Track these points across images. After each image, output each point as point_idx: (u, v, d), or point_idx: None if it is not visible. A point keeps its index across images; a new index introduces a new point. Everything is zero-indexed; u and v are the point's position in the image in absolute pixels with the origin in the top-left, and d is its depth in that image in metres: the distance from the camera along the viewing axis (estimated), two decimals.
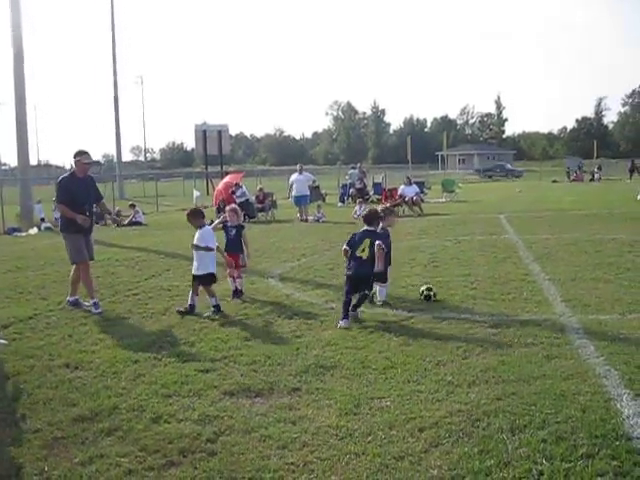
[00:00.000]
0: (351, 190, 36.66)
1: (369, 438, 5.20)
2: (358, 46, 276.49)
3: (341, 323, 8.78)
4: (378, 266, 9.28)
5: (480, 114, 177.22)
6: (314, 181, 29.73)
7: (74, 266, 10.72)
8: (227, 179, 32.55)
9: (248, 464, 4.84)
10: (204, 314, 9.63)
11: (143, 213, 29.48)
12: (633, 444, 4.88)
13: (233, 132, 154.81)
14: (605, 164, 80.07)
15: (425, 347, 7.62)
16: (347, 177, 39.30)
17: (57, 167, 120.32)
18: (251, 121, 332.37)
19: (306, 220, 26.18)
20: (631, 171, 61.02)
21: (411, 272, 12.72)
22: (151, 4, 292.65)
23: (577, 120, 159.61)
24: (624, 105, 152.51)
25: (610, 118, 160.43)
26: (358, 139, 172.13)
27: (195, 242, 10.05)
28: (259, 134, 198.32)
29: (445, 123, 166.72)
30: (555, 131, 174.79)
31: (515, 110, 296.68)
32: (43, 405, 6.21)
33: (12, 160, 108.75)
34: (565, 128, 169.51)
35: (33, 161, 76.82)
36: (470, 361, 7.05)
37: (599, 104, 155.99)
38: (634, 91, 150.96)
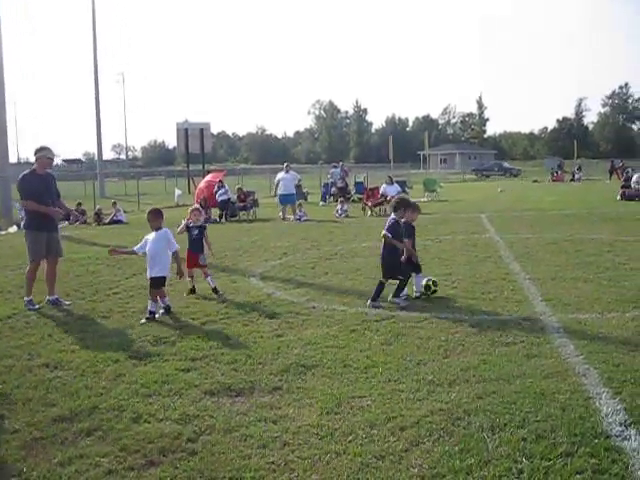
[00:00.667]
0: (333, 189, 36.69)
1: (350, 437, 5.20)
2: (340, 45, 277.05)
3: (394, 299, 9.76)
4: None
5: (462, 114, 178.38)
6: (299, 180, 29.71)
7: (30, 263, 10.75)
8: (209, 178, 32.54)
9: (229, 463, 4.83)
10: (140, 321, 9.31)
11: (124, 212, 29.37)
12: (611, 442, 4.92)
13: (215, 130, 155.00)
14: (585, 164, 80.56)
15: (406, 346, 7.63)
16: (329, 176, 39.32)
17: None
18: (233, 120, 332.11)
19: (285, 219, 26.12)
20: (610, 172, 61.39)
21: None
22: (133, 1, 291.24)
23: (558, 120, 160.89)
24: (604, 106, 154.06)
25: (590, 119, 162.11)
26: (340, 138, 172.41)
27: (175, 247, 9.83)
28: (241, 133, 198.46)
29: (427, 123, 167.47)
30: (536, 131, 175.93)
31: (496, 110, 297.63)
32: (22, 405, 6.17)
33: None
34: (546, 128, 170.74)
35: (13, 159, 76.06)
36: (451, 360, 7.07)
37: (579, 105, 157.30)
38: (614, 92, 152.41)
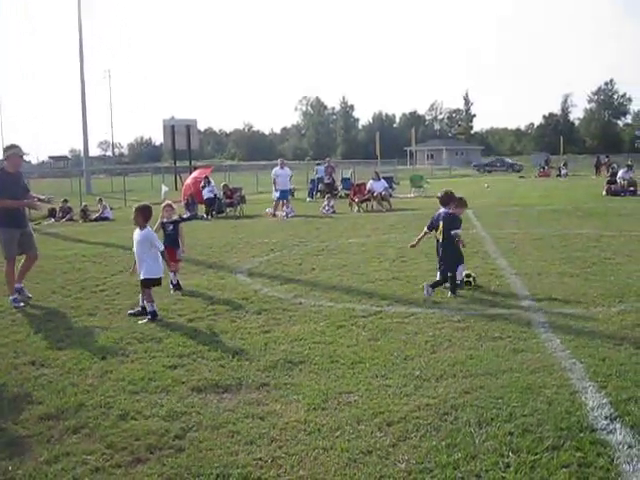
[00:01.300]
0: (320, 185, 36.69)
1: (337, 433, 5.20)
2: (327, 41, 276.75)
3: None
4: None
5: (449, 110, 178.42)
6: (291, 176, 29.70)
7: (6, 261, 10.74)
8: (196, 174, 32.47)
9: (216, 460, 4.82)
10: (140, 321, 9.17)
11: (111, 208, 29.30)
12: (597, 435, 4.95)
13: (202, 127, 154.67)
14: (571, 160, 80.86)
15: (393, 342, 7.64)
16: (314, 172, 39.34)
17: (24, 162, 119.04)
18: (220, 116, 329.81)
19: (275, 215, 26.11)
20: (596, 167, 61.64)
21: (379, 267, 12.76)
22: None
23: (544, 116, 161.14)
24: (590, 102, 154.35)
25: (576, 114, 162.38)
26: (327, 134, 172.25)
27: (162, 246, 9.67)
28: (228, 129, 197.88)
29: (414, 119, 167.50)
30: (522, 127, 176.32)
31: (483, 106, 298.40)
32: (8, 403, 6.15)
33: None
34: (532, 124, 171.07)
35: None
36: (438, 355, 7.09)
37: (565, 101, 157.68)
38: (599, 88, 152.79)
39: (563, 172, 63.92)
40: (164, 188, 39.15)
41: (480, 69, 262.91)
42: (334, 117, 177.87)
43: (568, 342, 7.36)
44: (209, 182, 28.47)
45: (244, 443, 5.10)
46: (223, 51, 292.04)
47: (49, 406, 6.00)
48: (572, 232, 17.14)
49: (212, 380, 6.56)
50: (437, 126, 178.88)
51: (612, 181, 33.74)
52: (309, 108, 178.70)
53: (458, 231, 10.44)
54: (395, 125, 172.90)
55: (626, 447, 4.75)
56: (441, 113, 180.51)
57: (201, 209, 27.66)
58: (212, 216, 26.94)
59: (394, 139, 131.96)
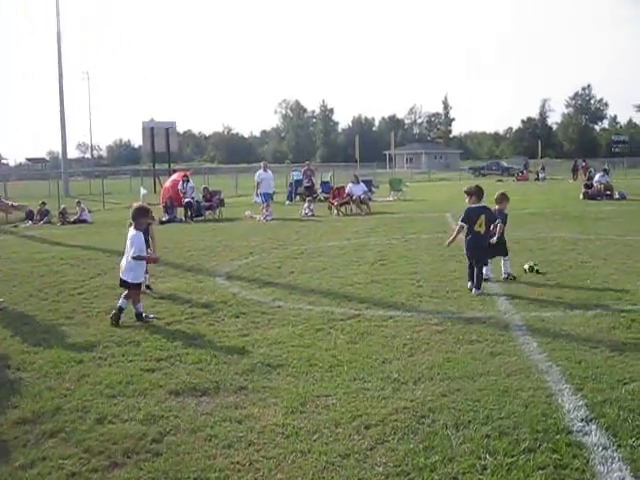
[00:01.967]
0: (299, 188, 36.69)
1: (315, 436, 5.20)
2: (307, 44, 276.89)
3: (474, 291, 10.28)
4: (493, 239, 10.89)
5: (428, 114, 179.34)
6: (293, 177, 29.72)
7: None
8: (175, 177, 32.37)
9: (193, 464, 4.81)
10: (149, 316, 9.33)
11: (89, 211, 29.12)
12: (573, 437, 4.99)
13: (181, 130, 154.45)
14: (549, 164, 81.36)
15: (371, 345, 7.66)
16: (291, 176, 39.42)
17: (2, 165, 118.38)
18: (199, 119, 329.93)
19: (253, 217, 26.07)
20: (574, 171, 62.10)
21: (358, 270, 12.78)
22: None
23: (522, 121, 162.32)
24: (567, 107, 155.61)
25: (554, 119, 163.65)
26: (307, 138, 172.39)
27: (137, 253, 9.45)
28: (207, 132, 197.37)
29: (393, 122, 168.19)
30: (501, 131, 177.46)
31: (462, 110, 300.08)
32: None
33: None
34: (511, 128, 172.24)
35: None
36: (416, 358, 7.11)
37: (543, 105, 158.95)
38: (576, 93, 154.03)
39: (541, 176, 64.36)
40: (143, 191, 38.94)
41: (459, 73, 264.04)
42: (314, 120, 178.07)
43: (545, 345, 7.41)
44: (188, 181, 28.43)
45: (222, 447, 5.09)
46: (203, 53, 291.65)
47: (25, 410, 5.95)
48: (549, 235, 17.27)
49: (190, 383, 6.54)
50: (416, 130, 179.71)
51: (589, 185, 33.99)
52: (289, 111, 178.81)
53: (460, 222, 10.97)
54: (374, 129, 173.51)
55: (601, 449, 4.80)
56: (420, 117, 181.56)
57: (180, 212, 27.57)
58: (191, 219, 26.86)
59: (373, 143, 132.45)
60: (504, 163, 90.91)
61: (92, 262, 15.16)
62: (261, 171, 27.86)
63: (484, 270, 10.90)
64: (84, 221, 27.41)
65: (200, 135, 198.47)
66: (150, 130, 55.28)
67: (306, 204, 27.93)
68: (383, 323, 8.64)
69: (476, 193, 11.03)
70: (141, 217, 9.71)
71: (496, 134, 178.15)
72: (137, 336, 8.38)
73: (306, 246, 16.84)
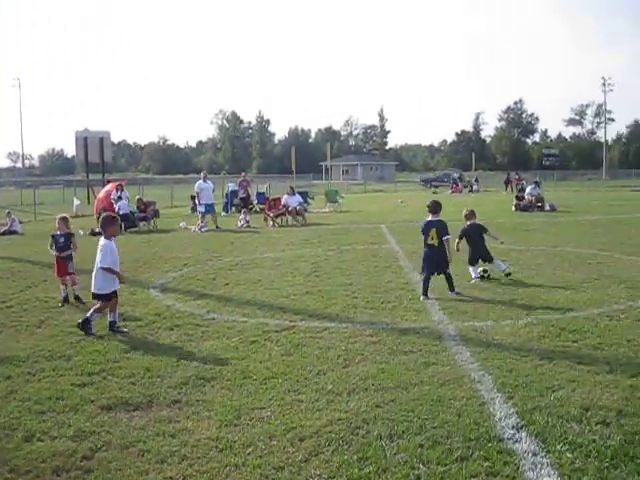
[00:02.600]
0: (235, 199, 36.54)
1: (249, 449, 5.18)
2: (243, 55, 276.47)
3: (421, 298, 10.76)
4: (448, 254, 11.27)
5: (364, 126, 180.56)
6: (213, 190, 29.45)
7: None
8: (108, 187, 31.91)
9: None
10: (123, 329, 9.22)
11: (20, 222, 28.43)
12: (504, 445, 5.08)
13: (115, 139, 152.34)
14: (483, 176, 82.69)
15: (306, 356, 7.66)
16: (227, 188, 39.37)
17: None
18: (134, 129, 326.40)
19: (187, 229, 25.87)
20: (506, 183, 63.25)
21: (293, 281, 12.77)
22: (29, 2, 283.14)
23: (457, 133, 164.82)
24: (500, 120, 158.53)
25: (487, 132, 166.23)
26: (243, 149, 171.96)
27: (104, 264, 9.29)
28: (143, 142, 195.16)
29: (329, 134, 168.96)
30: (436, 144, 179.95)
31: (397, 123, 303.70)
32: None
33: None
34: (445, 141, 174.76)
35: None
36: (350, 369, 7.13)
37: (477, 118, 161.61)
38: (509, 107, 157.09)
39: (475, 188, 65.39)
40: (76, 202, 38.38)
41: (395, 86, 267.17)
42: (250, 131, 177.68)
43: (477, 354, 7.52)
44: (122, 190, 28.07)
45: (154, 462, 5.02)
46: (138, 62, 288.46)
47: None
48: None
49: (122, 398, 6.44)
50: (352, 142, 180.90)
51: (520, 197, 34.67)
52: (225, 122, 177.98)
53: (449, 236, 11.33)
54: (311, 140, 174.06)
55: (531, 455, 4.90)
56: (356, 129, 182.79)
57: None
58: (125, 230, 26.49)
59: (310, 154, 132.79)
60: (455, 174, 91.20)
61: (22, 274, 14.82)
62: (201, 181, 27.61)
63: (473, 272, 12.39)
64: (14, 232, 26.73)
65: (135, 145, 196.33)
66: (84, 140, 54.36)
67: (242, 215, 27.82)
68: (318, 335, 8.66)
69: (430, 207, 11.72)
70: (108, 225, 9.59)
71: (431, 146, 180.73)
72: (68, 350, 8.22)
73: (241, 257, 16.77)
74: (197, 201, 27.38)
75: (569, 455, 4.87)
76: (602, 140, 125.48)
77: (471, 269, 12.64)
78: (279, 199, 29.87)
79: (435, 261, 11.18)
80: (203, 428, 5.64)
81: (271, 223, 27.58)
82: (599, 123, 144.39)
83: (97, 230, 25.49)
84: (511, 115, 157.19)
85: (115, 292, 9.42)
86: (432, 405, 5.97)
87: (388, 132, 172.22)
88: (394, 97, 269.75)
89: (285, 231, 24.94)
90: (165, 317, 9.94)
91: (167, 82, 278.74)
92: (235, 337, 8.65)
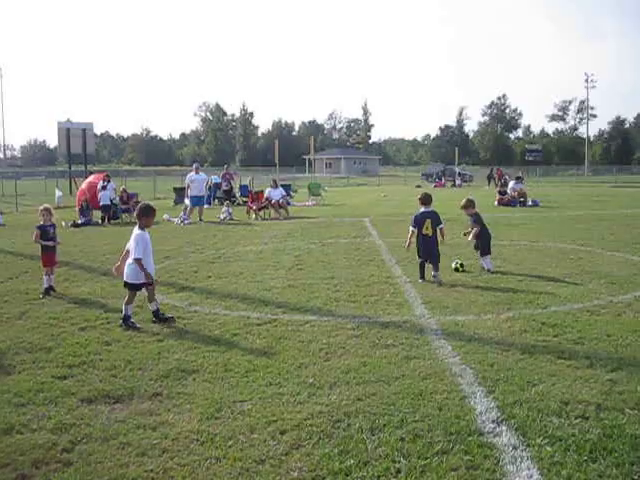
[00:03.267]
0: (218, 192, 36.45)
1: (230, 442, 5.17)
2: (227, 47, 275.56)
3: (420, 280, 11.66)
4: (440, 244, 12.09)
5: (347, 119, 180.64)
6: (211, 181, 29.24)
7: None
8: (91, 179, 31.73)
9: (105, 473, 4.72)
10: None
11: (1, 213, 28.20)
12: (484, 438, 5.11)
13: (98, 131, 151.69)
14: (466, 171, 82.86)
15: (287, 350, 7.66)
16: (211, 180, 39.20)
17: None
18: (118, 120, 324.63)
19: (170, 221, 25.78)
20: (489, 178, 63.53)
21: (275, 275, 12.76)
22: None
23: (440, 128, 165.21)
24: (483, 115, 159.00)
25: (471, 127, 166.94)
26: (226, 141, 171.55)
27: (137, 255, 9.03)
28: (125, 133, 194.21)
29: (313, 127, 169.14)
30: (419, 138, 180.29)
31: (381, 117, 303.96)
32: None
33: None
34: (429, 135, 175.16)
35: None
36: (332, 363, 7.14)
37: (461, 113, 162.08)
38: (492, 102, 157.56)
39: (458, 182, 65.61)
40: (58, 193, 38.14)
41: (379, 80, 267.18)
42: (234, 124, 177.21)
43: (459, 348, 7.54)
44: (109, 181, 27.91)
45: (135, 455, 5.00)
46: (122, 53, 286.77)
47: None
48: (464, 241, 17.55)
49: (103, 390, 6.42)
50: (336, 135, 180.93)
51: (503, 192, 34.76)
52: (208, 114, 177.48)
53: (442, 226, 12.17)
54: (294, 133, 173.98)
55: (511, 448, 4.92)
56: (340, 122, 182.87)
57: (96, 215, 27.03)
58: (108, 222, 26.38)
59: (293, 147, 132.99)
60: (457, 169, 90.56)
61: (2, 266, 14.72)
62: (192, 174, 27.42)
63: (487, 262, 12.88)
64: None
65: (118, 137, 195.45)
66: (66, 131, 54.04)
67: (224, 208, 27.75)
68: (300, 328, 8.65)
69: (422, 199, 12.32)
70: (144, 215, 9.32)
71: (414, 141, 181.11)
72: (49, 342, 8.17)
73: (223, 250, 16.74)
74: (187, 192, 27.18)
75: (549, 449, 4.90)
76: (584, 136, 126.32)
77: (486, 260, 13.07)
78: (262, 192, 29.82)
79: (429, 250, 11.87)
80: (184, 421, 5.63)
81: (254, 216, 27.54)
82: (581, 119, 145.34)
83: (79, 222, 25.47)
84: (494, 110, 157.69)
85: (146, 283, 9.19)
86: (413, 399, 5.98)
87: (372, 126, 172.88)
88: (378, 91, 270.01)
89: (268, 224, 24.92)
90: (147, 310, 9.88)
91: (151, 74, 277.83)
92: (217, 330, 8.63)
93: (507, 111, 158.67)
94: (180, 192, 34.63)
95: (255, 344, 7.93)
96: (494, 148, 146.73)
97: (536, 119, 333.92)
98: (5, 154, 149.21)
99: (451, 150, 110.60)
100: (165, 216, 26.72)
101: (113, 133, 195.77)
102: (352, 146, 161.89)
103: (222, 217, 26.76)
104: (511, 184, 35.70)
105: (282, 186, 31.30)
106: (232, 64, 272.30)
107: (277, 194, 28.38)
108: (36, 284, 11.81)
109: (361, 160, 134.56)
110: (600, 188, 56.59)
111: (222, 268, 13.80)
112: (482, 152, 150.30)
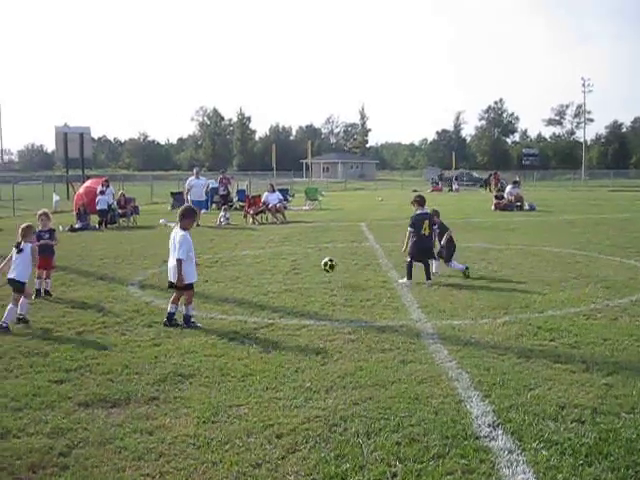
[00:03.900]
0: (215, 197, 36.43)
1: (227, 446, 5.18)
2: (224, 52, 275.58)
3: (403, 281, 11.99)
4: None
5: (345, 124, 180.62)
6: (208, 186, 29.21)
7: None
8: (88, 183, 31.73)
9: (102, 477, 4.73)
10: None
11: None
12: (480, 442, 5.12)
13: (96, 135, 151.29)
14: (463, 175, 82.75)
15: (284, 354, 7.67)
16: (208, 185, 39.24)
17: None
18: (114, 125, 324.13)
19: (167, 225, 25.77)
20: (486, 182, 63.54)
21: (272, 279, 12.77)
22: None
23: (437, 132, 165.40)
24: (480, 119, 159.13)
25: (468, 131, 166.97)
26: (224, 145, 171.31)
27: (181, 256, 9.22)
28: (123, 138, 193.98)
29: (310, 132, 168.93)
30: (416, 142, 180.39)
31: (378, 121, 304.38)
32: None
33: None
34: (426, 140, 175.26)
35: None
36: (328, 367, 7.15)
37: (458, 117, 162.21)
38: (489, 107, 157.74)
39: (455, 187, 65.62)
40: (56, 197, 38.10)
41: (376, 84, 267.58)
42: (231, 128, 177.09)
43: (455, 353, 7.56)
44: (108, 186, 27.92)
45: (132, 459, 5.01)
46: (119, 57, 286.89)
47: None
48: (461, 245, 17.53)
49: (100, 395, 6.42)
50: (333, 140, 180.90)
51: (500, 196, 34.79)
52: (206, 119, 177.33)
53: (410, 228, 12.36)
54: (292, 138, 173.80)
55: (507, 452, 4.94)
56: (337, 127, 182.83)
57: (93, 219, 27.01)
58: (105, 226, 26.38)
59: (290, 151, 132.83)
60: (475, 174, 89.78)
61: None
62: (192, 178, 27.36)
63: (456, 264, 12.99)
64: None
65: (115, 141, 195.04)
66: (64, 135, 53.94)
67: (222, 212, 27.74)
68: (296, 332, 8.67)
69: (418, 201, 12.70)
70: (186, 217, 9.60)
71: (412, 145, 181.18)
72: (46, 346, 8.17)
73: (220, 255, 16.73)
74: (187, 197, 27.09)
75: (544, 453, 4.92)
76: (581, 140, 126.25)
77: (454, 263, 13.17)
78: (259, 196, 29.82)
79: (425, 249, 12.30)
80: (181, 425, 5.64)
81: (251, 220, 27.53)
82: (578, 123, 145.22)
83: (76, 226, 25.45)
84: (491, 114, 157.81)
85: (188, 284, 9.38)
86: (409, 403, 6.00)
87: (369, 130, 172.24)
88: (375, 95, 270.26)
89: (265, 228, 24.93)
90: (144, 314, 9.92)
91: (148, 78, 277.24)
92: (214, 334, 8.63)
93: (504, 115, 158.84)
94: (177, 196, 34.62)
95: (252, 348, 7.93)
96: (491, 152, 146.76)
97: (533, 123, 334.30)
98: (2, 158, 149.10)
99: (448, 154, 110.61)
100: (162, 221, 26.70)
101: (110, 137, 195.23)
102: (349, 150, 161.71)
103: (219, 222, 26.74)
104: (508, 188, 35.76)
105: (279, 190, 31.30)
106: (229, 69, 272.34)
107: (274, 198, 28.39)
108: (32, 288, 11.78)
109: (358, 164, 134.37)
110: (597, 192, 56.70)
111: (219, 273, 13.81)
112: (479, 156, 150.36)
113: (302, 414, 5.79)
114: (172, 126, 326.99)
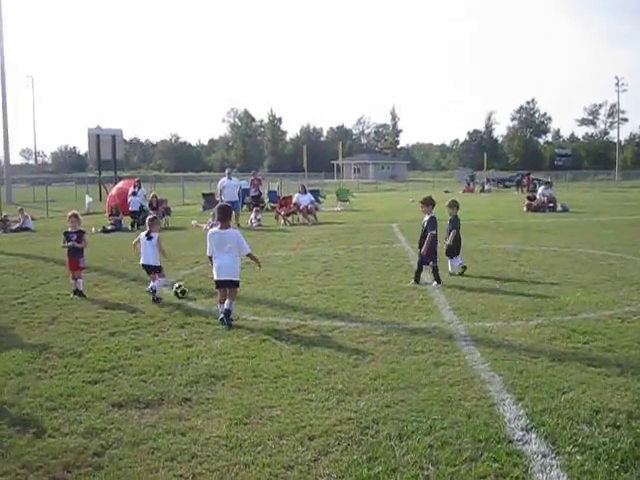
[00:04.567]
0: (246, 198, 36.57)
1: (259, 448, 5.19)
2: (255, 53, 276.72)
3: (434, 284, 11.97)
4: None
5: (376, 124, 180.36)
6: (241, 187, 29.29)
7: None
8: (120, 185, 32.03)
9: (135, 477, 4.76)
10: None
11: (32, 219, 28.55)
12: (513, 446, 5.07)
13: (127, 137, 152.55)
14: (495, 176, 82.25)
15: (316, 355, 7.67)
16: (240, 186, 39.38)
17: None
18: (146, 126, 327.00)
19: (199, 227, 25.90)
20: (518, 183, 63.17)
21: (304, 280, 12.79)
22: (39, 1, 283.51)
23: (468, 133, 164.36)
24: (512, 120, 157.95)
25: (500, 132, 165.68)
26: (254, 147, 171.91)
27: (248, 250, 10.01)
28: (154, 140, 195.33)
29: (341, 132, 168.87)
30: (448, 143, 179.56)
31: (410, 121, 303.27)
32: None
33: None
34: (457, 140, 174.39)
35: None
36: (360, 369, 7.14)
37: (489, 118, 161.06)
38: (521, 107, 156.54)
39: (486, 187, 65.27)
40: (88, 199, 38.50)
41: (407, 85, 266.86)
42: (262, 129, 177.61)
43: (488, 355, 7.51)
44: (139, 187, 28.14)
45: (164, 459, 5.04)
46: (150, 60, 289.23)
47: None
48: (493, 247, 17.52)
49: (133, 395, 6.47)
50: (364, 140, 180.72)
51: (532, 197, 34.51)
52: (237, 120, 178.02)
53: (434, 231, 12.62)
54: (322, 138, 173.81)
55: (540, 457, 4.89)
56: (368, 127, 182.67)
57: (126, 220, 27.25)
58: (137, 227, 26.58)
59: (321, 152, 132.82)
60: (532, 175, 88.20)
61: (34, 271, 14.89)
62: (225, 179, 27.40)
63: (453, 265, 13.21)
64: (27, 229, 26.88)
65: (147, 143, 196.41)
66: (96, 137, 54.60)
67: (253, 214, 27.84)
68: (328, 334, 8.67)
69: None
70: (228, 217, 10.09)
71: (443, 146, 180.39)
72: (79, 347, 8.26)
73: None
74: (221, 198, 27.08)
75: (579, 457, 4.86)
76: (615, 140, 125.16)
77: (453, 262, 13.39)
78: (290, 197, 29.90)
79: (436, 251, 12.46)
80: (213, 426, 5.66)
81: (282, 221, 27.61)
82: (612, 123, 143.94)
83: (109, 227, 25.70)
84: (523, 115, 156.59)
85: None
86: (442, 406, 5.97)
87: (400, 131, 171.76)
88: (406, 96, 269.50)
89: (296, 230, 24.97)
90: (176, 315, 9.98)
91: (179, 80, 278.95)
92: (246, 335, 8.67)
93: (536, 115, 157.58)
94: (209, 198, 34.80)
95: (284, 350, 7.95)
96: (523, 153, 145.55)
97: (566, 123, 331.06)
98: (36, 160, 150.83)
99: (480, 155, 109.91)
100: (194, 222, 26.83)
101: (142, 139, 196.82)
102: (380, 151, 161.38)
103: (251, 223, 26.83)
104: (540, 189, 35.46)
105: (311, 192, 31.35)
106: (260, 70, 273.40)
107: (306, 199, 28.44)
108: (67, 290, 11.93)
109: (389, 165, 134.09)
110: (631, 193, 56.03)
111: (250, 274, 13.81)
112: (511, 157, 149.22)
113: (334, 416, 5.79)
114: (203, 127, 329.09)
